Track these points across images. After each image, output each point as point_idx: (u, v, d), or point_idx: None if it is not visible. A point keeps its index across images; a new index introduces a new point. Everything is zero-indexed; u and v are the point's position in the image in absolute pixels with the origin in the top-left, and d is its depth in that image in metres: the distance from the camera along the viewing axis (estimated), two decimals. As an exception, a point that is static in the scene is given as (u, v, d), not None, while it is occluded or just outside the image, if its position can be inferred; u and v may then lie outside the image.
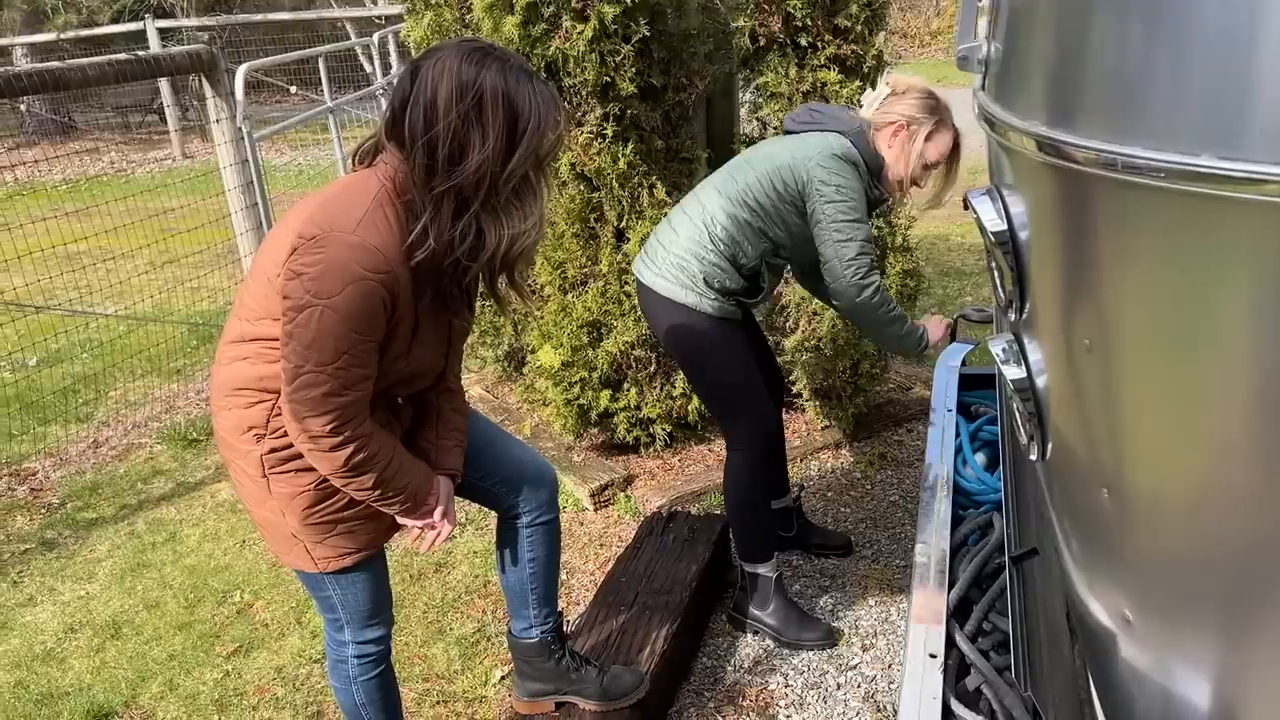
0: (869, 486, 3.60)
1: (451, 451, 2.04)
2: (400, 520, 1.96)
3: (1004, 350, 1.33)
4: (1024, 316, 1.26)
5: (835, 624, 2.84)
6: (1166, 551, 1.12)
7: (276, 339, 1.76)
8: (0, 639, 3.12)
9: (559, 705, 2.33)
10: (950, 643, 1.92)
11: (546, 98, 1.70)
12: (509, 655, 2.82)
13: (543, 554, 2.22)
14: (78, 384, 5.18)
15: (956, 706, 1.77)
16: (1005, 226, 1.23)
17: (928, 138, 2.52)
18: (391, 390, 1.88)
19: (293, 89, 11.14)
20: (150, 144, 13.31)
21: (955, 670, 1.90)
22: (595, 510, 3.53)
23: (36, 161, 11.52)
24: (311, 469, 1.82)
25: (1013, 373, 1.29)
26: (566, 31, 3.05)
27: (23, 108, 13.08)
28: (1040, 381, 1.26)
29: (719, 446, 3.79)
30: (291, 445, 1.80)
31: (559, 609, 2.31)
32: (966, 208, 2.11)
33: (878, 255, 2.60)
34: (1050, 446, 1.28)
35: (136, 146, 13.18)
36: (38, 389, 5.06)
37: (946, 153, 2.56)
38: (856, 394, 3.71)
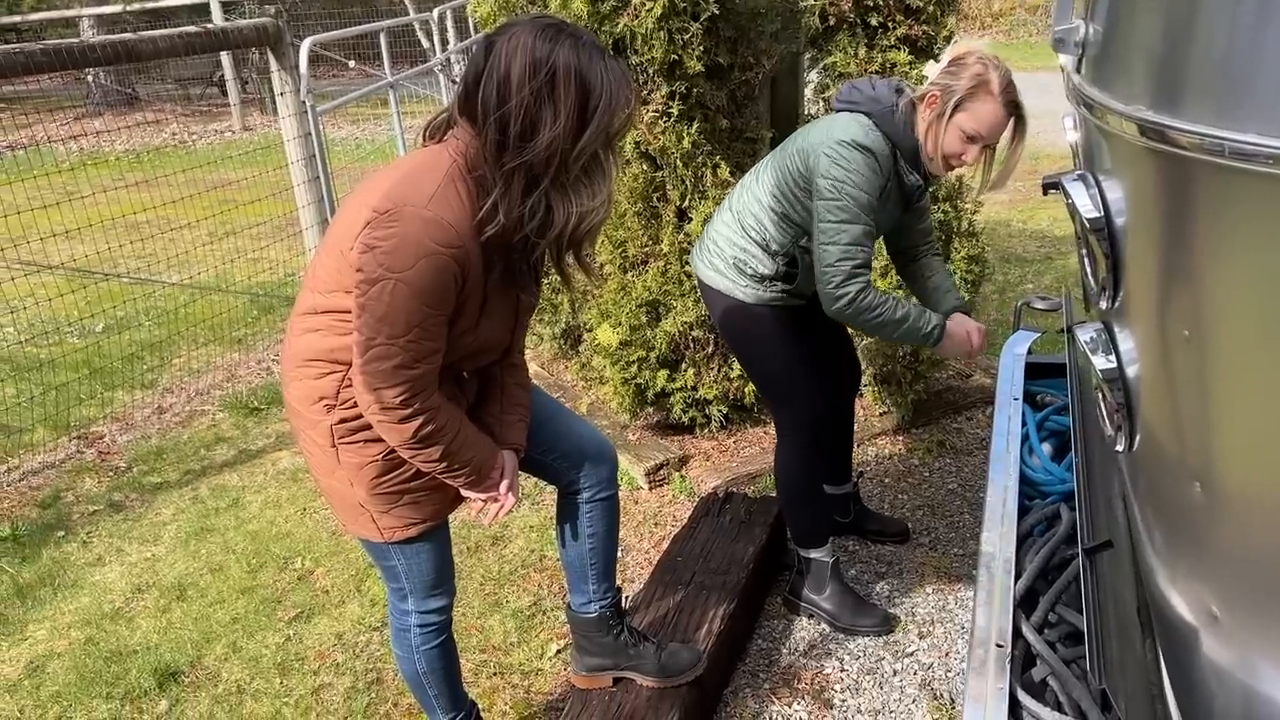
0: (927, 474, 3.56)
1: (515, 426, 2.05)
2: (464, 493, 1.98)
3: (1092, 339, 1.30)
4: (1116, 305, 1.24)
5: (892, 611, 2.83)
6: (1260, 548, 1.09)
7: (348, 311, 1.78)
8: (71, 597, 3.21)
9: (616, 680, 2.35)
10: (1016, 633, 1.90)
11: (618, 76, 1.69)
12: (565, 629, 2.86)
13: (602, 529, 2.24)
14: (142, 351, 5.28)
15: (1024, 697, 1.76)
16: (1100, 213, 1.21)
17: (959, 106, 2.27)
18: (458, 364, 1.89)
19: (351, 63, 11.22)
20: (211, 116, 13.50)
21: (1021, 661, 1.88)
22: (650, 489, 3.54)
23: (101, 132, 11.76)
24: (380, 440, 1.84)
25: (1102, 362, 1.27)
26: (635, 8, 3.03)
27: (90, 79, 13.33)
28: (1131, 371, 1.24)
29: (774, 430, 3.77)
30: (361, 416, 1.82)
31: (617, 585, 2.33)
32: (1045, 192, 2.08)
33: (868, 255, 2.34)
34: (1138, 438, 1.26)
35: (197, 118, 13.38)
36: (104, 355, 5.18)
37: (992, 124, 2.27)
38: (916, 380, 3.67)
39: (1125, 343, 1.25)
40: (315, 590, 3.15)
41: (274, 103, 12.84)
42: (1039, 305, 3.49)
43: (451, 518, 2.08)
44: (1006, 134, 2.34)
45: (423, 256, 1.65)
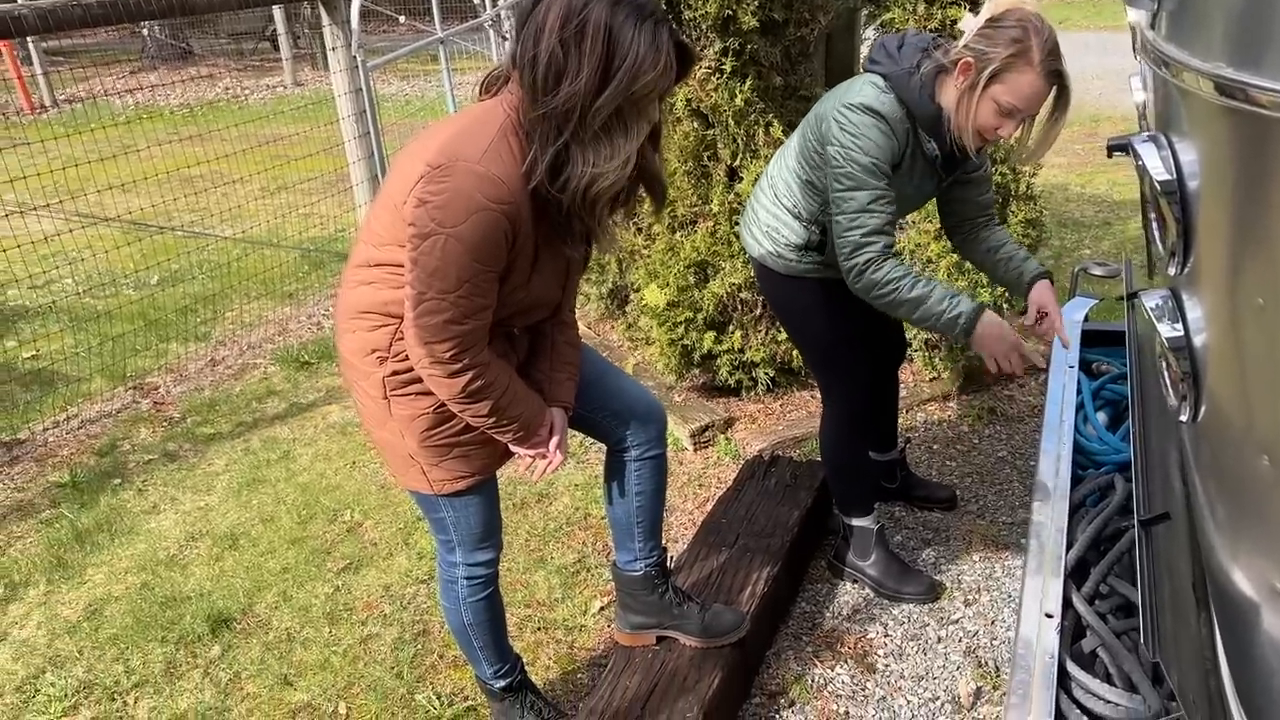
0: (976, 441, 3.52)
1: (564, 384, 2.05)
2: (512, 448, 1.99)
3: (1158, 306, 1.27)
4: (1186, 271, 1.20)
5: (937, 578, 2.81)
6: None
7: (401, 265, 1.78)
8: (128, 543, 3.29)
9: (660, 639, 2.36)
10: (1066, 603, 1.88)
11: (650, 41, 1.64)
12: (608, 587, 2.88)
13: (649, 488, 2.24)
14: (196, 303, 5.36)
15: (1072, 668, 1.74)
16: (1173, 175, 1.16)
17: (995, 76, 2.06)
18: (509, 321, 1.89)
19: (401, 19, 11.19)
20: (263, 71, 13.57)
21: (1070, 632, 1.86)
22: (695, 450, 3.54)
23: (156, 86, 11.88)
24: (431, 393, 1.85)
25: (1168, 330, 1.23)
26: (690, -37, 2.98)
27: (145, 33, 13.45)
28: (1198, 340, 1.20)
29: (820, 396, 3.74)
30: (413, 369, 1.83)
31: (663, 545, 2.33)
32: (1110, 155, 2.02)
33: (879, 223, 2.18)
34: (1204, 409, 1.22)
35: (250, 73, 13.47)
36: (159, 307, 5.27)
37: (1031, 97, 2.07)
38: (967, 347, 3.61)
39: (1193, 310, 1.21)
40: (364, 542, 3.20)
41: (325, 58, 12.82)
42: (1096, 271, 3.43)
43: (499, 474, 2.09)
44: (1047, 104, 2.13)
45: (474, 212, 1.65)
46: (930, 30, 3.27)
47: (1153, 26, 1.32)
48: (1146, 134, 1.27)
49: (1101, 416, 2.56)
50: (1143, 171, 1.26)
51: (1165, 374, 1.34)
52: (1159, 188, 1.18)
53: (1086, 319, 2.90)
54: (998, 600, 2.73)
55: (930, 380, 3.77)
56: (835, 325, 2.52)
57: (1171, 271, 1.23)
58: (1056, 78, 2.07)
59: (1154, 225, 1.29)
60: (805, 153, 2.35)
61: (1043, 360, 2.28)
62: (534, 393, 1.96)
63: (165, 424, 4.10)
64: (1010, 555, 2.90)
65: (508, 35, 10.29)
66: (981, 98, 2.09)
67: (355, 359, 1.91)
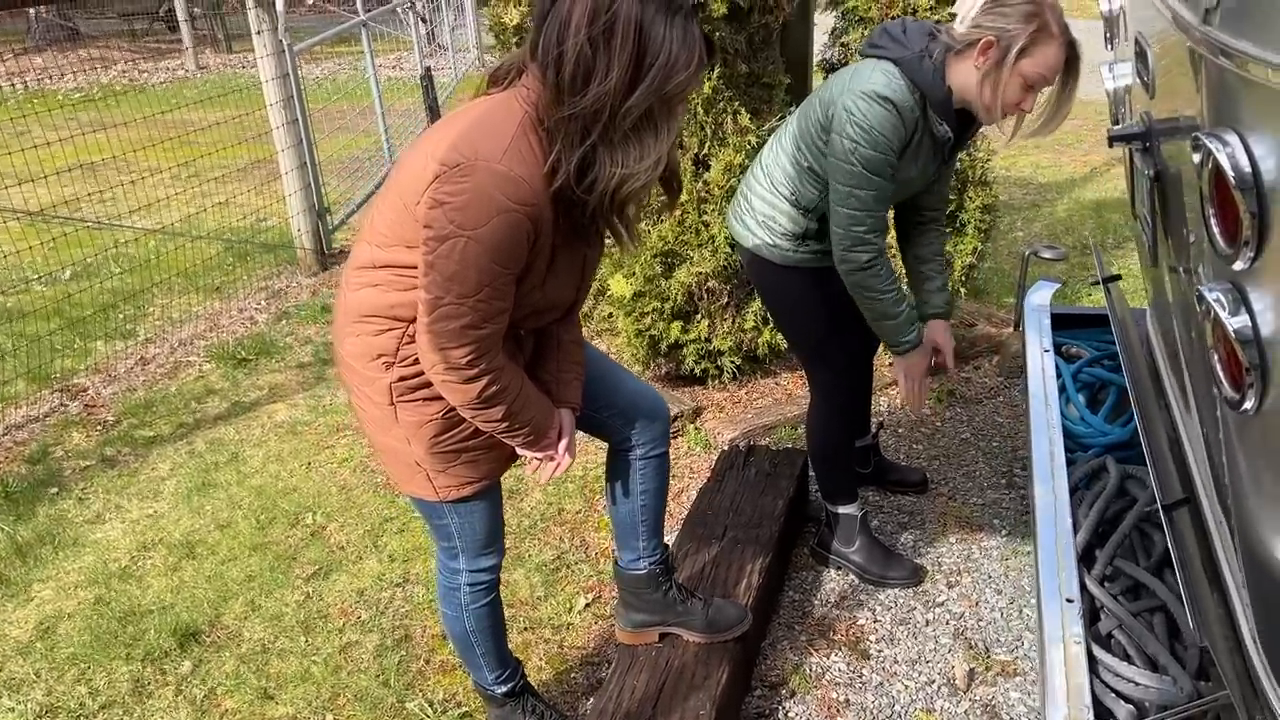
0: (939, 423, 3.58)
1: (571, 384, 2.00)
2: (520, 452, 1.93)
3: (1220, 299, 1.28)
4: (1255, 265, 1.21)
5: (918, 560, 2.84)
6: None
7: (410, 266, 1.71)
8: (74, 555, 3.11)
9: (662, 636, 2.34)
10: (1080, 588, 1.91)
11: (683, 37, 1.59)
12: (590, 583, 2.85)
13: (654, 486, 2.21)
14: (116, 299, 5.11)
15: (1098, 651, 1.77)
16: (1248, 169, 1.18)
17: (1023, 52, 2.10)
18: (522, 322, 1.83)
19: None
20: (160, 53, 13.02)
21: (1087, 615, 1.89)
22: (662, 441, 3.51)
23: (45, 69, 11.28)
24: (439, 398, 1.79)
25: (1235, 323, 1.25)
26: (658, -53, 2.93)
27: (31, 13, 12.76)
28: (1267, 332, 1.22)
29: (785, 380, 3.76)
30: (421, 374, 1.76)
31: (665, 542, 2.30)
32: (1111, 145, 2.05)
33: (878, 222, 2.25)
34: (1270, 399, 1.24)
35: (146, 55, 12.90)
36: (76, 304, 5.01)
37: (1054, 66, 2.12)
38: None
39: (1261, 302, 1.23)
40: (330, 546, 3.09)
41: (228, 41, 12.39)
42: (1046, 255, 3.49)
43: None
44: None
45: (497, 214, 1.58)
46: (893, 18, 3.29)
47: (1205, 21, 1.33)
48: (1211, 130, 1.28)
49: (1081, 400, 2.61)
50: (1201, 165, 1.27)
51: (1219, 366, 1.35)
52: (1232, 180, 1.19)
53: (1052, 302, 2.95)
54: (979, 581, 2.78)
55: (889, 364, 3.80)
56: (828, 315, 2.52)
57: (1239, 266, 1.24)
58: (1071, 48, 2.13)
59: (1213, 220, 1.30)
60: (807, 139, 2.33)
61: (926, 405, 2.68)
62: (543, 395, 1.90)
63: (99, 427, 3.90)
64: (985, 536, 2.96)
65: (424, 18, 10.07)
66: (1012, 74, 2.12)
67: (358, 364, 1.83)
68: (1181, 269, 1.77)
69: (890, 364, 3.81)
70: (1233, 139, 1.22)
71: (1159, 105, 1.85)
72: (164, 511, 3.33)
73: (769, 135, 3.20)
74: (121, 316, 4.97)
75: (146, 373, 4.38)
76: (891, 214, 2.71)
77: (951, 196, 2.78)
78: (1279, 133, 1.16)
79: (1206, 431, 1.62)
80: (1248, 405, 1.29)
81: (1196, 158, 1.30)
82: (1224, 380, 1.35)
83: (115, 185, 5.74)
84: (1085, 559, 2.03)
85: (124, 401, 4.09)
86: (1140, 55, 1.96)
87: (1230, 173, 1.20)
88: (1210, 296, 1.30)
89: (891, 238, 2.75)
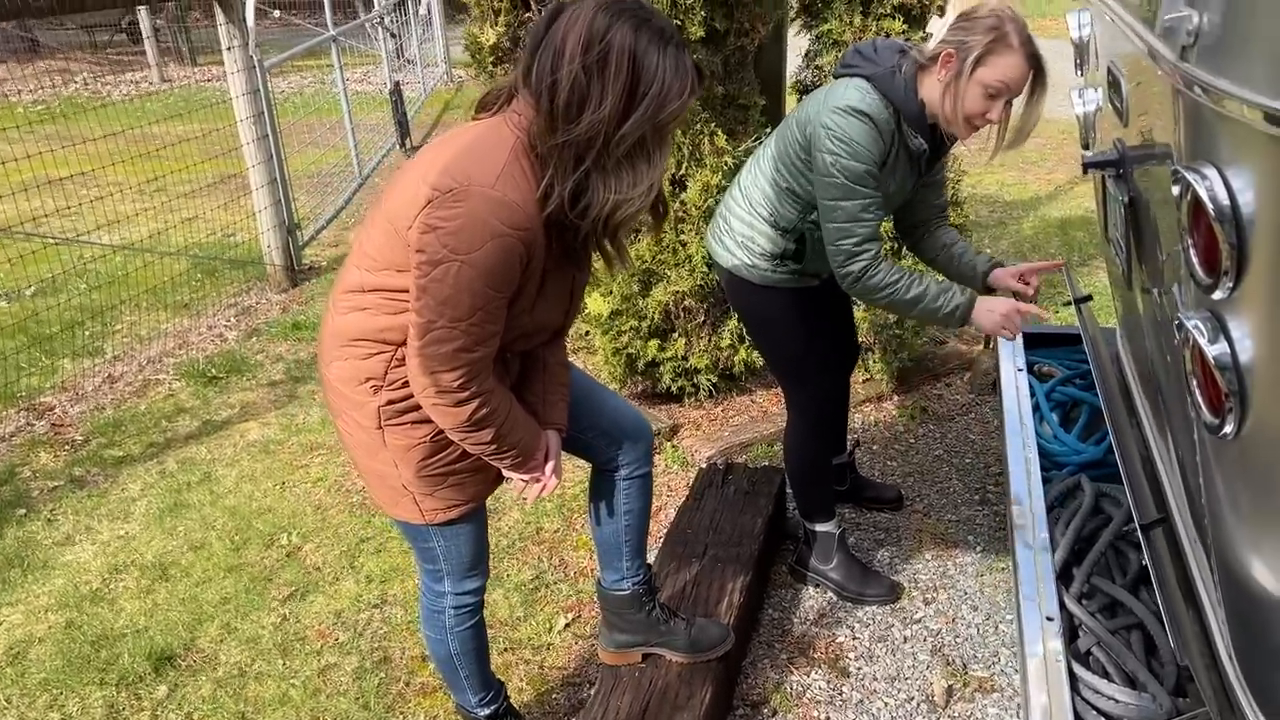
0: (912, 440, 3.62)
1: (557, 405, 2.01)
2: (507, 474, 1.94)
3: (1199, 327, 1.32)
4: (1234, 294, 1.25)
5: (894, 577, 2.87)
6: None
7: (399, 290, 1.71)
8: (43, 578, 3.07)
9: (645, 656, 2.34)
10: (1059, 605, 1.95)
11: (675, 66, 1.62)
12: (570, 602, 2.85)
13: (638, 506, 2.22)
14: (82, 316, 5.04)
15: (1077, 669, 1.80)
16: (1227, 202, 1.22)
17: (979, 61, 2.14)
18: (510, 345, 1.83)
19: (276, 13, 10.79)
20: (122, 65, 12.88)
21: (1066, 633, 1.92)
22: (639, 459, 3.52)
23: (4, 81, 11.12)
24: (427, 421, 1.79)
25: (1214, 350, 1.29)
26: (636, -29, 2.96)
27: (-10, 23, 12.56)
28: (1245, 359, 1.26)
29: (761, 398, 3.79)
30: (410, 397, 1.77)
31: (648, 562, 2.31)
32: (1085, 172, 2.10)
33: (870, 230, 2.25)
34: (1249, 424, 1.28)
35: (108, 67, 12.75)
36: (41, 321, 4.93)
37: (1015, 77, 2.15)
38: (901, 348, 3.71)
39: (1239, 330, 1.27)
40: (306, 567, 3.06)
41: (192, 54, 12.27)
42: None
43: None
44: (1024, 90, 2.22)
45: (490, 239, 1.59)
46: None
47: (1182, 58, 1.37)
48: (1189, 164, 1.32)
49: (1054, 417, 2.66)
50: (1180, 196, 1.31)
51: (1198, 391, 1.39)
52: (1212, 213, 1.23)
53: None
54: (955, 598, 2.82)
55: (864, 382, 3.85)
56: (805, 335, 2.55)
57: (1218, 295, 1.28)
58: (1034, 60, 2.16)
59: (1191, 250, 1.34)
60: (786, 160, 2.36)
61: (1043, 312, 2.44)
62: (530, 417, 1.91)
63: (68, 447, 3.85)
64: (960, 552, 3.00)
65: (393, 33, 10.05)
66: (969, 83, 2.16)
67: (346, 387, 1.82)
68: (1156, 292, 1.82)
69: (864, 382, 3.88)
70: (1211, 173, 1.26)
71: (1133, 134, 1.90)
72: (135, 533, 3.29)
73: (745, 156, 3.25)
74: (88, 334, 4.90)
75: (115, 391, 4.32)
76: (891, 223, 2.72)
77: (948, 212, 2.78)
78: (1256, 167, 1.20)
79: (1182, 454, 1.67)
80: (1226, 430, 1.33)
81: (1176, 190, 1.34)
82: (1203, 405, 1.39)
83: (80, 201, 5.67)
84: (1063, 577, 2.07)
85: (92, 420, 4.04)
86: (1113, 84, 2.01)
87: (1210, 205, 1.23)
88: (1190, 324, 1.34)
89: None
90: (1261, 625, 1.40)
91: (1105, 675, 1.84)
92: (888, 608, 2.77)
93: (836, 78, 2.37)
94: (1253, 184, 1.20)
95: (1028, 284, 2.44)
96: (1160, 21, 1.40)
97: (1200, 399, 1.40)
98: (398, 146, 8.19)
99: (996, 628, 2.69)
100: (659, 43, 1.60)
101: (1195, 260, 1.35)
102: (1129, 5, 1.86)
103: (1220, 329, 1.31)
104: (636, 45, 1.58)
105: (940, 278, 2.46)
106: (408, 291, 1.68)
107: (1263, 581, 1.37)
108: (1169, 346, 1.65)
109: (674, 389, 3.62)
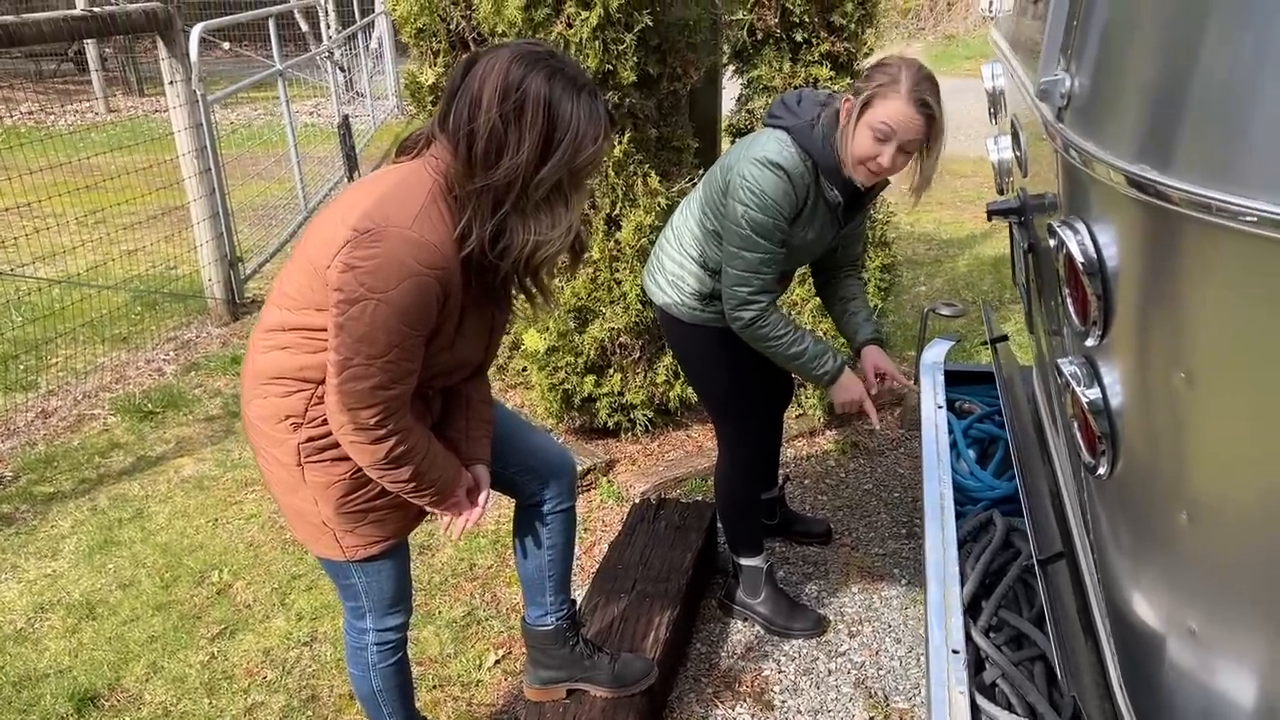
0: (843, 475, 3.69)
1: (480, 441, 2.05)
2: (428, 509, 1.97)
3: (1075, 373, 1.39)
4: (1104, 342, 1.33)
5: (821, 611, 2.92)
6: (1249, 573, 1.19)
7: (319, 329, 1.75)
8: (-34, 618, 3.02)
9: (570, 692, 2.37)
10: (966, 638, 2.00)
11: (589, 114, 1.68)
12: (501, 639, 2.86)
13: (561, 541, 2.25)
14: (16, 349, 4.97)
15: (982, 701, 1.86)
16: (1094, 256, 1.29)
17: (866, 104, 2.19)
18: (430, 382, 1.87)
19: (226, 45, 10.76)
20: (68, 94, 12.75)
21: (971, 665, 1.98)
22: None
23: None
24: (347, 458, 1.82)
25: (1088, 395, 1.36)
26: (570, 18, 3.04)
27: (-68, 50, 12.40)
28: (1116, 404, 1.33)
29: (697, 433, 3.84)
30: (329, 435, 1.80)
31: (572, 598, 2.34)
32: (990, 219, 2.19)
33: (764, 283, 2.35)
34: (1120, 466, 1.35)
35: (53, 96, 12.62)
36: (-26, 354, 4.86)
37: (898, 119, 2.18)
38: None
39: (1110, 377, 1.34)
40: (236, 605, 3.05)
41: (139, 83, 12.16)
42: (944, 312, 3.65)
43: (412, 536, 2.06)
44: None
45: (406, 278, 1.64)
46: (794, 86, 3.45)
47: (1059, 119, 1.46)
48: (1061, 218, 1.40)
49: (971, 454, 2.74)
50: (1056, 250, 1.39)
51: (1077, 431, 1.47)
52: (1081, 266, 1.31)
53: (947, 359, 3.09)
54: (879, 631, 2.87)
55: (797, 417, 3.92)
56: (734, 372, 2.61)
57: (1090, 343, 1.35)
58: (924, 106, 2.18)
59: (1068, 299, 1.41)
60: (711, 204, 2.43)
61: (877, 420, 2.61)
62: (450, 454, 1.94)
63: (-4, 484, 3.79)
64: (886, 586, 3.06)
65: (342, 67, 10.08)
66: (858, 126, 2.22)
67: (266, 425, 1.85)
68: (1054, 335, 1.90)
69: (798, 417, 3.95)
70: (1081, 228, 1.34)
71: (1031, 184, 1.99)
72: (63, 570, 3.25)
73: (679, 197, 3.32)
74: (23, 368, 4.84)
75: (48, 426, 4.27)
76: (807, 270, 2.84)
77: (861, 264, 2.93)
78: (1119, 226, 1.28)
79: (1079, 490, 1.74)
80: (1101, 471, 1.40)
81: (1053, 243, 1.42)
82: (1082, 446, 1.47)
83: (18, 233, 5.60)
84: (972, 610, 2.13)
85: (23, 456, 3.99)
86: (1015, 135, 2.11)
87: (1079, 259, 1.31)
88: (1068, 370, 1.42)
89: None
90: (1144, 655, 1.47)
91: (1009, 707, 1.89)
92: (814, 641, 2.83)
93: (764, 126, 2.44)
94: (1116, 241, 1.28)
95: (880, 378, 2.65)
96: (1039, 83, 1.48)
97: (1081, 441, 1.47)
98: (346, 179, 8.18)
99: (918, 660, 2.75)
100: (573, 91, 1.66)
101: (1071, 309, 1.42)
102: (1024, 63, 1.97)
103: (1094, 374, 1.39)
104: (551, 94, 1.64)
105: (821, 337, 2.57)
106: (326, 330, 1.71)
107: (1142, 614, 1.44)
108: (1058, 389, 1.73)
109: (610, 424, 3.66)
